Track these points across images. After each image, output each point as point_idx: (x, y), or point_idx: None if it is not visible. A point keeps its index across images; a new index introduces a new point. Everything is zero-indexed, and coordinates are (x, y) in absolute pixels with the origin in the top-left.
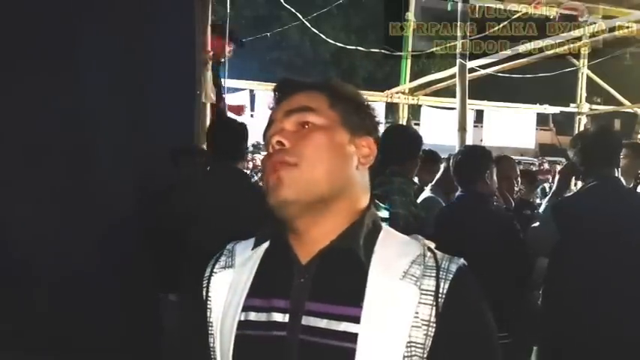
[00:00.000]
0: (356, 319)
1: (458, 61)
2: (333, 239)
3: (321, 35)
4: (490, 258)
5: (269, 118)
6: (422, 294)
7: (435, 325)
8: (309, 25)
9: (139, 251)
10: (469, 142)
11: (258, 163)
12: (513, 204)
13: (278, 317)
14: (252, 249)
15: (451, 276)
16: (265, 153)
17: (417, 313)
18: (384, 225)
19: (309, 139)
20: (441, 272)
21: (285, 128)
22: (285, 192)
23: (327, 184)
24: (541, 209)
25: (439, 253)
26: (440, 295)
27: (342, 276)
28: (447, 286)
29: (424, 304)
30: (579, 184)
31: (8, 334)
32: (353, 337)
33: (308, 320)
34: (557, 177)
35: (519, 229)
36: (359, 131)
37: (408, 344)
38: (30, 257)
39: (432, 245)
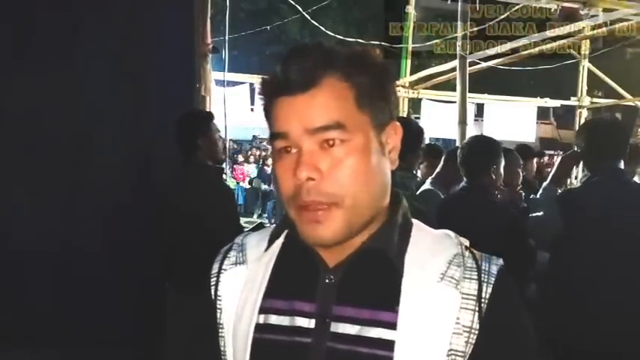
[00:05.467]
0: (391, 325)
1: (458, 54)
2: (365, 241)
3: (321, 27)
4: (490, 250)
5: (280, 122)
6: (463, 298)
7: (477, 331)
8: (308, 18)
9: (142, 242)
10: (469, 135)
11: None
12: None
13: (302, 322)
14: (268, 244)
15: (493, 279)
16: (275, 161)
17: (457, 319)
18: (413, 220)
19: (345, 169)
20: (482, 275)
21: (306, 150)
22: (325, 235)
23: (371, 209)
24: (539, 194)
25: (477, 253)
26: (482, 300)
27: (374, 278)
28: (489, 290)
29: (465, 309)
30: (580, 173)
31: (11, 331)
32: (388, 345)
33: (336, 326)
34: (557, 162)
35: (521, 222)
36: (385, 120)
37: (449, 352)
38: (32, 252)
39: (467, 243)
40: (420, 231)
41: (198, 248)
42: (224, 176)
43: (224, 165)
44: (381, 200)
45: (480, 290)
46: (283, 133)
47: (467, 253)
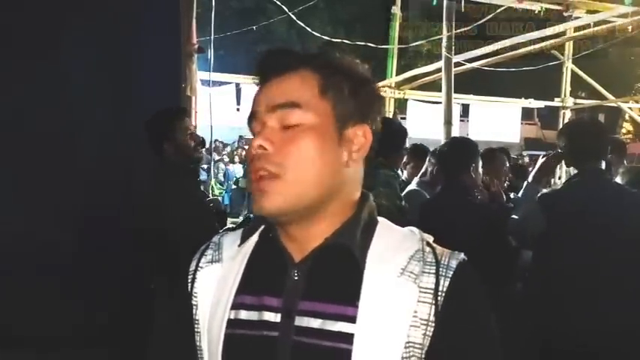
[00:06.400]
0: (352, 319)
1: (444, 55)
2: (328, 236)
3: (307, 28)
4: (471, 251)
5: (253, 104)
6: (421, 292)
7: (433, 324)
8: (294, 19)
9: (130, 242)
10: (455, 136)
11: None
12: (504, 197)
13: (269, 317)
14: (241, 243)
15: (451, 272)
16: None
17: (415, 312)
18: (379, 218)
19: (294, 145)
20: (440, 269)
21: (268, 126)
22: (268, 204)
23: (314, 191)
24: (520, 193)
25: (439, 248)
26: (439, 293)
27: (338, 274)
28: (446, 283)
29: (423, 302)
30: (564, 174)
31: None
32: (349, 338)
33: (301, 320)
34: (539, 162)
35: (502, 221)
36: (353, 118)
37: (407, 344)
38: (15, 252)
39: (431, 239)
40: (384, 228)
41: (169, 250)
42: (201, 176)
43: (211, 164)
44: (332, 188)
45: (437, 284)
46: (254, 112)
47: (427, 249)
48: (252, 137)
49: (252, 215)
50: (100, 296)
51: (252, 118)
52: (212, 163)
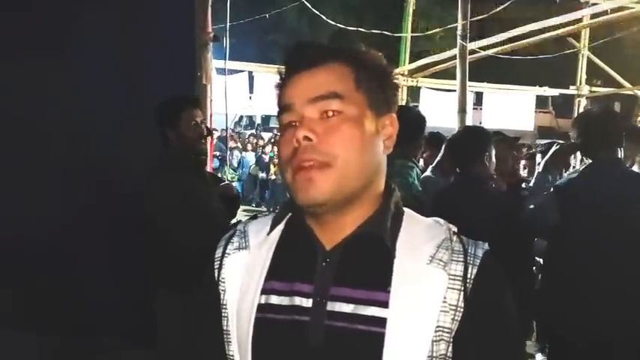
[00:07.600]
0: (384, 304)
1: (458, 42)
2: (360, 225)
3: (322, 16)
4: (485, 239)
5: (284, 97)
6: (450, 279)
7: (462, 309)
8: (309, 5)
9: (136, 245)
10: (469, 124)
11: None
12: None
13: (300, 302)
14: (270, 229)
15: (478, 261)
16: (279, 136)
17: (445, 297)
18: (405, 208)
19: (339, 133)
20: (468, 257)
21: (307, 117)
22: (317, 193)
23: (360, 179)
24: (531, 182)
25: (464, 238)
26: (468, 281)
27: (368, 261)
28: (474, 271)
29: (452, 289)
30: (577, 164)
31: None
32: (381, 322)
33: (333, 306)
34: (552, 151)
35: (516, 211)
36: (383, 109)
37: (437, 329)
38: (25, 250)
39: (455, 229)
40: (411, 218)
41: (169, 250)
42: (207, 167)
43: (226, 152)
44: (372, 176)
45: (465, 271)
46: (289, 104)
47: (454, 238)
48: (279, 123)
49: (264, 208)
50: (105, 289)
51: (285, 110)
52: (227, 151)
